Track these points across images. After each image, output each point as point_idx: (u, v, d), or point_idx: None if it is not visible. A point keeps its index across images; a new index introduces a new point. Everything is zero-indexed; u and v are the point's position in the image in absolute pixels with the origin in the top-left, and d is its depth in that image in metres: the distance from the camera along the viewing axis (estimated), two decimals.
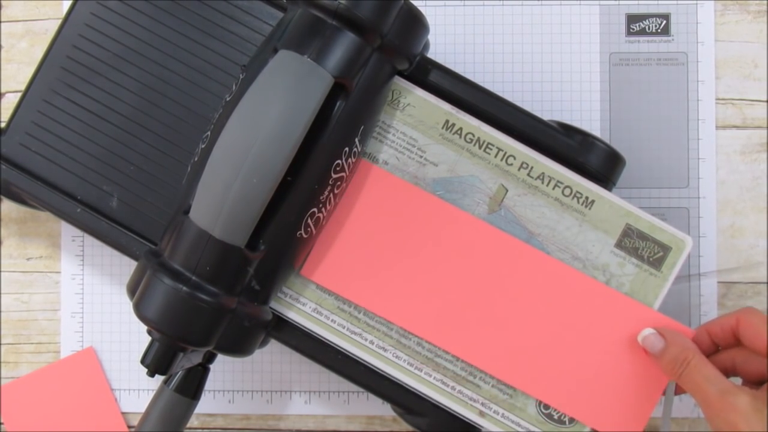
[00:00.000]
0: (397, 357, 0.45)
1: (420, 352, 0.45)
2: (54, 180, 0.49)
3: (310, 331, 0.46)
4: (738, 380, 0.44)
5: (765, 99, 0.54)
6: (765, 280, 0.53)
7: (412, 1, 0.49)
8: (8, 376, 0.55)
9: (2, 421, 0.54)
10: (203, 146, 0.43)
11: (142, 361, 0.42)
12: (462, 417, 0.45)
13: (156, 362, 0.42)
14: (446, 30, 0.54)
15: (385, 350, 0.45)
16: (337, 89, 0.42)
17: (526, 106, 0.47)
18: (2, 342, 0.55)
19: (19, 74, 0.56)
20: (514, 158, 0.45)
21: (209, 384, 0.53)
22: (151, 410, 0.44)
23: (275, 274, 0.43)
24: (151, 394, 0.46)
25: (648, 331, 0.43)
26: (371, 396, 0.52)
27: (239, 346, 0.43)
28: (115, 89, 0.49)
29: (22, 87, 0.50)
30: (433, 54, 0.48)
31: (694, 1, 0.53)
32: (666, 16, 0.54)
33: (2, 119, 0.55)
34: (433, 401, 0.45)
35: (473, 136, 0.45)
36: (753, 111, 0.54)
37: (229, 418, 0.55)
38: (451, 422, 0.46)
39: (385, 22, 0.42)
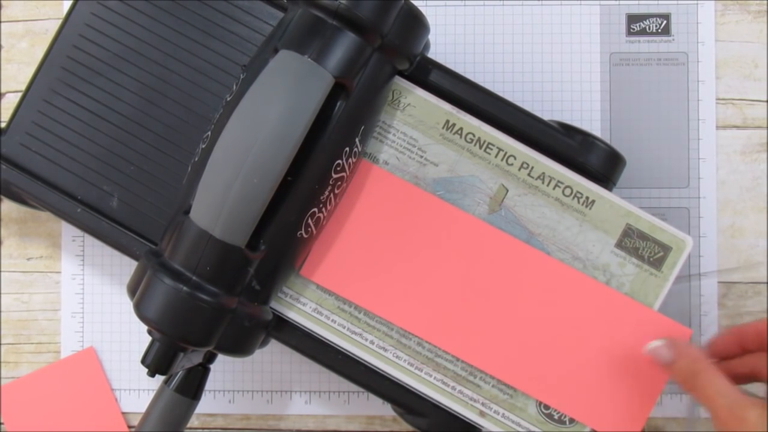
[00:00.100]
0: (397, 357, 0.45)
1: (420, 352, 0.45)
2: (54, 180, 0.49)
3: (311, 331, 0.46)
4: (762, 386, 0.43)
5: (765, 99, 0.54)
6: (765, 280, 0.53)
7: (413, 1, 0.49)
8: (8, 376, 0.55)
9: (2, 421, 0.54)
10: (203, 146, 0.43)
11: (143, 361, 0.42)
12: (462, 417, 0.45)
13: (156, 362, 0.42)
14: (446, 30, 0.54)
15: (386, 350, 0.45)
16: (338, 89, 0.42)
17: (526, 106, 0.47)
18: (2, 342, 0.55)
19: (19, 74, 0.56)
20: (515, 158, 0.45)
21: (209, 384, 0.53)
22: (151, 410, 0.44)
23: (275, 274, 0.43)
24: (151, 394, 0.46)
25: (657, 342, 0.42)
26: (371, 396, 0.52)
27: (239, 346, 0.43)
28: (115, 89, 0.49)
29: (22, 87, 0.50)
30: (433, 54, 0.48)
31: (695, 1, 0.53)
32: (666, 16, 0.54)
33: (2, 119, 0.55)
34: (433, 401, 0.45)
35: (474, 136, 0.45)
36: (753, 111, 0.54)
37: (229, 418, 0.55)
38: (452, 422, 0.46)
39: (385, 22, 0.42)
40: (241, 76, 0.43)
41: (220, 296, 0.41)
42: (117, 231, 0.48)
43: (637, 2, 0.54)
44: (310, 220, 0.43)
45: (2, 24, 0.56)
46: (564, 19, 0.54)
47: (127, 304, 0.54)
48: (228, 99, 0.43)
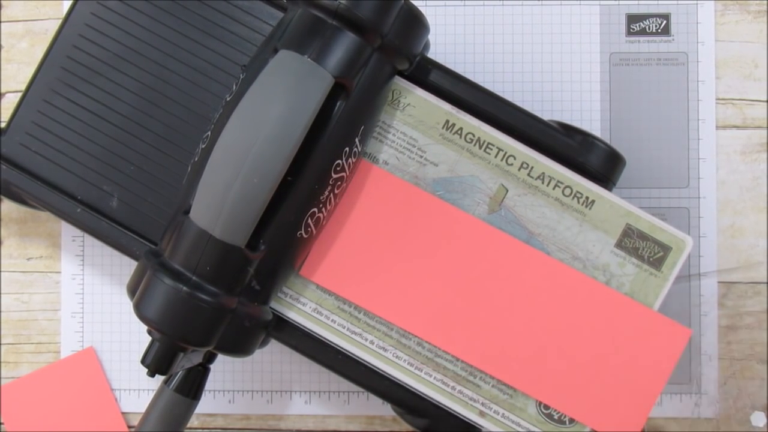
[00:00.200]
0: (397, 357, 0.45)
1: (420, 352, 0.45)
2: (54, 180, 0.49)
3: (310, 331, 0.46)
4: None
5: (765, 99, 0.54)
6: (765, 280, 0.53)
7: (412, 1, 0.49)
8: (8, 376, 0.55)
9: (2, 421, 0.54)
10: (203, 146, 0.43)
11: (143, 361, 0.42)
12: (462, 417, 0.45)
13: (156, 362, 0.42)
14: (446, 30, 0.54)
15: (386, 350, 0.45)
16: (338, 89, 0.42)
17: (526, 106, 0.47)
18: (2, 342, 0.55)
19: (19, 74, 0.56)
20: (515, 158, 0.45)
21: (209, 384, 0.53)
22: (151, 410, 0.44)
23: (275, 274, 0.43)
24: (151, 394, 0.46)
25: None
26: (371, 396, 0.52)
27: (239, 346, 0.43)
28: (115, 89, 0.49)
29: (22, 87, 0.50)
30: (433, 54, 0.48)
31: (694, 1, 0.53)
32: (666, 16, 0.54)
33: (2, 119, 0.55)
34: (433, 401, 0.45)
35: (473, 136, 0.45)
36: (753, 111, 0.54)
37: (229, 418, 0.55)
38: (452, 422, 0.46)
39: (385, 22, 0.42)
40: (241, 76, 0.43)
41: (220, 296, 0.41)
42: (117, 231, 0.48)
43: (637, 2, 0.54)
44: (310, 220, 0.43)
45: (2, 24, 0.56)
46: (564, 19, 0.54)
47: (127, 304, 0.54)
48: (228, 99, 0.43)
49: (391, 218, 0.45)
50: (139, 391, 0.55)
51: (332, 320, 0.45)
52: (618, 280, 0.45)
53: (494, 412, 0.45)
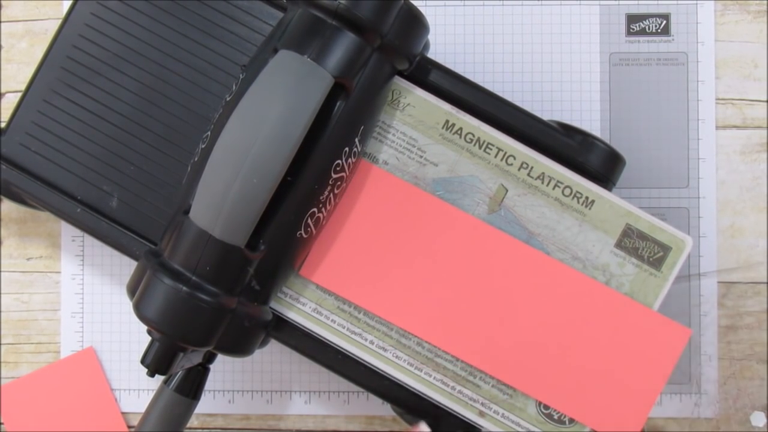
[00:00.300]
0: (397, 357, 0.45)
1: (420, 352, 0.45)
2: (54, 180, 0.49)
3: (310, 331, 0.46)
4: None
5: (765, 99, 0.54)
6: (765, 280, 0.53)
7: (412, 1, 0.49)
8: (8, 376, 0.55)
9: (2, 421, 0.54)
10: (203, 146, 0.43)
11: (142, 361, 0.42)
12: (462, 417, 0.45)
13: (156, 362, 0.42)
14: (446, 30, 0.54)
15: (385, 350, 0.45)
16: (337, 89, 0.42)
17: (526, 106, 0.47)
18: (2, 342, 0.55)
19: (19, 74, 0.56)
20: (514, 158, 0.45)
21: (209, 384, 0.53)
22: (151, 410, 0.44)
23: (275, 274, 0.43)
24: (151, 394, 0.46)
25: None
26: (371, 396, 0.52)
27: (239, 346, 0.43)
28: (115, 89, 0.49)
29: (22, 87, 0.50)
30: (433, 54, 0.48)
31: (694, 1, 0.53)
32: (666, 16, 0.54)
33: (2, 119, 0.55)
34: (433, 401, 0.45)
35: (473, 136, 0.45)
36: (753, 111, 0.54)
37: (229, 418, 0.55)
38: (451, 422, 0.46)
39: (385, 22, 0.42)
40: (241, 76, 0.43)
41: (219, 296, 0.41)
42: (117, 231, 0.48)
43: (636, 2, 0.54)
44: (309, 220, 0.43)
45: (2, 24, 0.56)
46: (564, 19, 0.54)
47: (127, 304, 0.54)
48: (228, 99, 0.43)
49: (390, 218, 0.45)
50: (139, 391, 0.55)
51: (332, 320, 0.45)
52: (618, 280, 0.45)
53: (494, 412, 0.45)
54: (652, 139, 0.53)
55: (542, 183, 0.45)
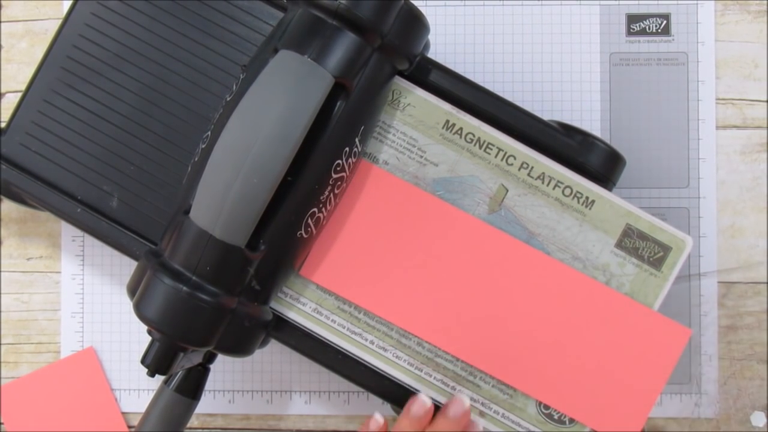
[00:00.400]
0: (397, 357, 0.45)
1: (420, 352, 0.45)
2: (54, 180, 0.49)
3: (310, 331, 0.46)
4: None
5: (765, 99, 0.54)
6: (765, 280, 0.53)
7: (413, 1, 0.49)
8: (8, 376, 0.55)
9: (2, 421, 0.54)
10: (203, 146, 0.43)
11: (143, 361, 0.42)
12: None
13: (156, 362, 0.42)
14: (446, 30, 0.54)
15: (386, 350, 0.45)
16: (338, 89, 0.42)
17: (526, 106, 0.47)
18: (2, 342, 0.55)
19: (19, 74, 0.56)
20: (515, 158, 0.45)
21: (209, 384, 0.53)
22: (151, 410, 0.44)
23: (275, 274, 0.43)
24: (151, 394, 0.46)
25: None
26: (371, 396, 0.52)
27: (239, 346, 0.43)
28: (115, 89, 0.49)
29: (22, 87, 0.50)
30: (433, 54, 0.48)
31: (694, 1, 0.53)
32: (666, 16, 0.54)
33: (2, 119, 0.55)
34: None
35: (473, 136, 0.45)
36: (753, 111, 0.54)
37: (229, 418, 0.55)
38: None
39: (385, 22, 0.42)
40: (241, 76, 0.43)
41: (220, 296, 0.41)
42: (117, 231, 0.48)
43: (637, 2, 0.54)
44: (310, 220, 0.43)
45: (2, 24, 0.56)
46: (564, 19, 0.54)
47: (127, 304, 0.54)
48: (228, 99, 0.43)
49: (391, 218, 0.45)
50: (139, 391, 0.55)
51: (332, 320, 0.45)
52: (618, 280, 0.45)
53: (494, 412, 0.45)
54: (652, 139, 0.53)
55: (542, 183, 0.45)
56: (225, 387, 0.54)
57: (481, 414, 0.45)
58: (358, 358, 0.45)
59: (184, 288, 0.40)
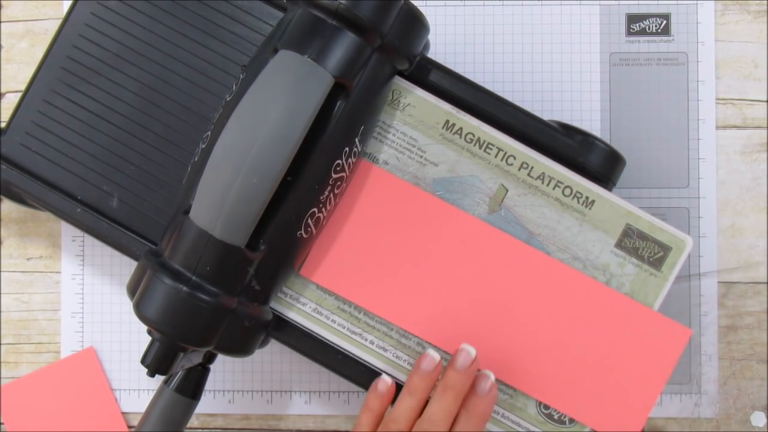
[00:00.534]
0: (397, 357, 0.45)
1: (420, 352, 0.45)
2: (54, 180, 0.49)
3: (310, 331, 0.46)
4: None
5: (765, 99, 0.54)
6: (765, 280, 0.53)
7: (412, 1, 0.49)
8: (8, 376, 0.55)
9: (2, 421, 0.54)
10: (203, 146, 0.43)
11: (143, 361, 0.42)
12: None
13: (156, 362, 0.42)
14: (446, 30, 0.54)
15: (386, 350, 0.45)
16: (338, 89, 0.42)
17: (526, 106, 0.47)
18: (2, 342, 0.55)
19: (19, 74, 0.56)
20: (515, 158, 0.45)
21: (209, 384, 0.53)
22: (151, 410, 0.44)
23: (275, 274, 0.43)
24: (151, 394, 0.46)
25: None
26: None
27: (239, 346, 0.43)
28: (115, 89, 0.49)
29: (22, 87, 0.50)
30: (433, 54, 0.48)
31: (694, 1, 0.53)
32: (666, 16, 0.54)
33: (2, 119, 0.55)
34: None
35: (473, 136, 0.45)
36: (753, 111, 0.54)
37: (229, 418, 0.55)
38: None
39: (385, 22, 0.42)
40: (241, 76, 0.43)
41: (220, 296, 0.41)
42: (117, 231, 0.48)
43: (637, 2, 0.54)
44: (309, 220, 0.43)
45: (2, 24, 0.56)
46: (564, 19, 0.54)
47: (127, 304, 0.54)
48: (228, 99, 0.43)
49: (391, 218, 0.45)
50: (139, 391, 0.55)
51: (332, 320, 0.45)
52: (618, 280, 0.45)
53: (494, 412, 0.45)
54: (652, 139, 0.53)
55: (542, 183, 0.45)
56: (225, 387, 0.54)
57: None
58: (358, 358, 0.45)
59: (184, 288, 0.40)
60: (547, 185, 0.45)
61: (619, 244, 0.45)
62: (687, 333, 0.44)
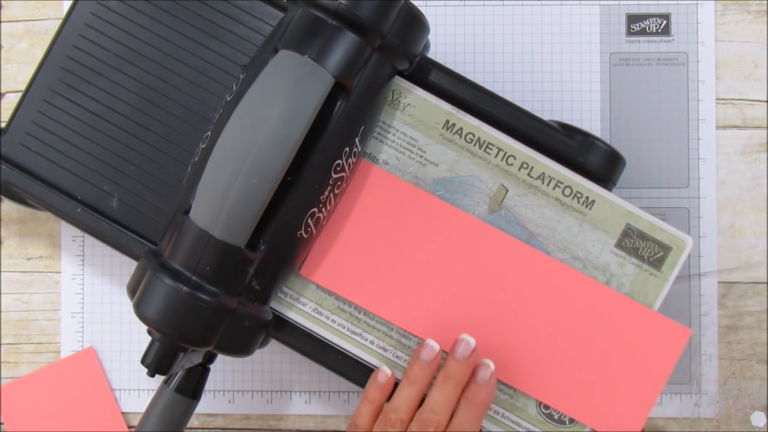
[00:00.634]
0: (397, 357, 0.45)
1: None
2: (54, 180, 0.49)
3: (310, 331, 0.46)
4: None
5: (765, 99, 0.54)
6: (765, 280, 0.53)
7: (413, 1, 0.49)
8: (8, 376, 0.55)
9: (2, 421, 0.54)
10: (203, 146, 0.43)
11: (143, 361, 0.42)
12: None
13: (156, 362, 0.42)
14: (446, 30, 0.54)
15: (386, 350, 0.45)
16: (338, 89, 0.42)
17: (526, 106, 0.47)
18: (2, 342, 0.55)
19: (19, 74, 0.56)
20: (515, 158, 0.45)
21: (209, 384, 0.53)
22: (151, 410, 0.44)
23: (275, 274, 0.43)
24: (151, 394, 0.46)
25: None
26: None
27: (239, 346, 0.43)
28: (115, 89, 0.49)
29: (22, 87, 0.50)
30: (433, 54, 0.48)
31: (695, 1, 0.53)
32: (666, 16, 0.54)
33: (2, 119, 0.55)
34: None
35: (473, 136, 0.45)
36: (753, 111, 0.54)
37: (229, 418, 0.55)
38: None
39: (385, 22, 0.42)
40: (241, 76, 0.43)
41: (220, 296, 0.41)
42: (117, 231, 0.48)
43: (637, 2, 0.54)
44: (310, 220, 0.43)
45: (2, 24, 0.56)
46: (564, 19, 0.54)
47: (127, 304, 0.54)
48: (228, 99, 0.43)
49: (391, 218, 0.45)
50: (139, 391, 0.55)
51: (332, 320, 0.45)
52: (618, 280, 0.45)
53: (494, 412, 0.45)
54: (652, 139, 0.53)
55: (542, 183, 0.45)
56: (225, 387, 0.54)
57: None
58: (358, 358, 0.45)
59: (184, 288, 0.40)
60: (547, 185, 0.45)
61: (619, 244, 0.45)
62: (687, 333, 0.44)
